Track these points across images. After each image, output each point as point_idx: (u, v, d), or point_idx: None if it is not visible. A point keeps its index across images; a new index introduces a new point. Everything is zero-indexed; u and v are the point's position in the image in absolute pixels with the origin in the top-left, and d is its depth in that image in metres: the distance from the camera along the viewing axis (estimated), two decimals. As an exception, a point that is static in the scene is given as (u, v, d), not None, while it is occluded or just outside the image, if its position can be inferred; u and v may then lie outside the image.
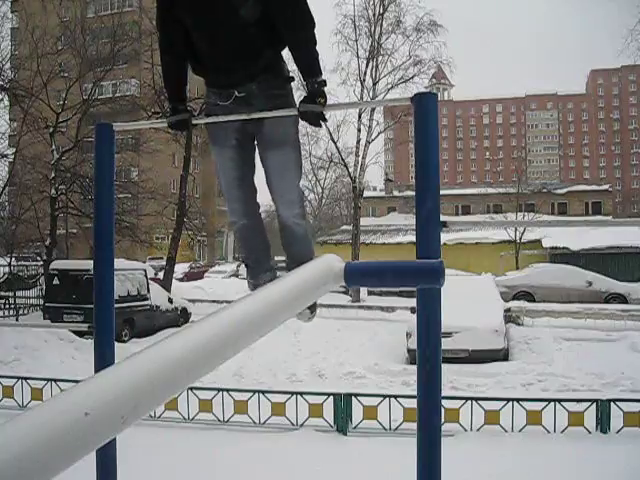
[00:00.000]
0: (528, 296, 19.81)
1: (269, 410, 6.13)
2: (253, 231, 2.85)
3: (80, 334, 11.21)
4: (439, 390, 1.82)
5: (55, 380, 6.74)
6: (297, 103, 2.55)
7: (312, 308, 2.83)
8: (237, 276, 30.36)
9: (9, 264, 16.98)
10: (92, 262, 2.39)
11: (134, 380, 0.70)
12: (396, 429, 5.90)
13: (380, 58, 23.77)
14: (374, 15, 23.66)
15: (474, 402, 5.93)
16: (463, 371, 9.06)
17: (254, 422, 6.13)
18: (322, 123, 2.48)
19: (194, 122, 2.72)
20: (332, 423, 6.08)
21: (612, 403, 5.86)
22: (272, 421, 6.13)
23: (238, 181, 2.71)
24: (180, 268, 23.10)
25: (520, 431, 5.82)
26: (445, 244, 22.87)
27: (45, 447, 0.59)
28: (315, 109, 2.41)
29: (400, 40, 23.82)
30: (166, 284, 17.03)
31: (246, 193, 2.76)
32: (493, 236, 28.68)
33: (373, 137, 24.03)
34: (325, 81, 2.51)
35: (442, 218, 1.83)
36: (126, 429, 0.69)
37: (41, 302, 15.82)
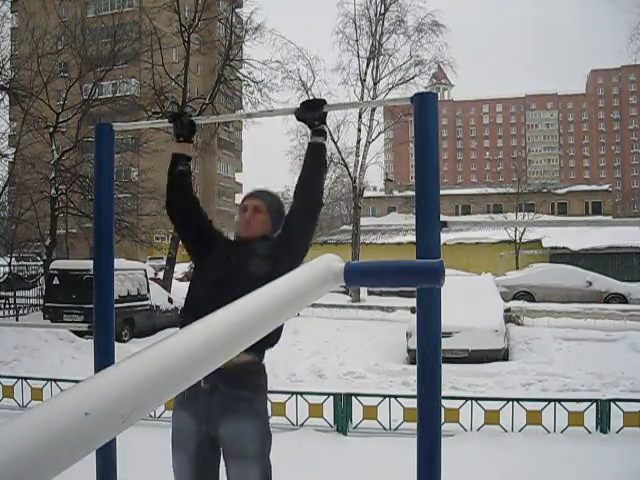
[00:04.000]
0: (528, 296, 19.81)
1: (269, 410, 6.13)
2: None
3: (80, 334, 11.21)
4: (439, 390, 1.82)
5: (55, 380, 6.74)
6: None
7: None
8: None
9: (9, 264, 16.97)
10: (92, 262, 2.40)
11: (134, 380, 0.70)
12: (396, 429, 5.90)
13: (381, 58, 23.78)
14: (375, 15, 23.68)
15: (474, 402, 5.93)
16: (463, 371, 9.05)
17: None
18: (321, 125, 2.47)
19: (195, 121, 2.72)
20: (332, 423, 6.08)
21: (612, 403, 5.86)
22: (272, 421, 6.06)
23: None
24: (180, 268, 23.06)
25: (520, 431, 5.82)
26: (445, 244, 22.87)
27: (45, 447, 0.59)
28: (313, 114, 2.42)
29: (401, 40, 23.85)
30: (166, 284, 17.02)
31: None
32: (493, 236, 28.67)
33: (373, 137, 24.04)
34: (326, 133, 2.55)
35: (442, 218, 1.83)
36: (126, 429, 0.69)
37: (41, 302, 15.81)
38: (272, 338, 2.49)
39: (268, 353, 2.57)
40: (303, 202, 2.54)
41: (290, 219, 2.57)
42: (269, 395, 6.33)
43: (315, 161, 2.53)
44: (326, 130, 2.53)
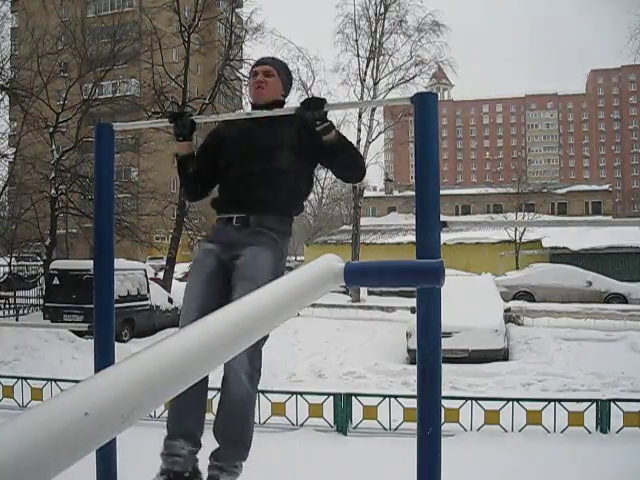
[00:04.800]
0: (528, 296, 19.81)
1: (269, 410, 6.12)
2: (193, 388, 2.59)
3: (80, 334, 11.21)
4: (439, 390, 1.82)
5: (55, 380, 6.73)
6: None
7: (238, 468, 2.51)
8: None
9: (9, 264, 16.97)
10: (92, 262, 2.39)
11: (134, 380, 0.70)
12: (396, 429, 5.90)
13: (381, 58, 23.78)
14: (375, 15, 23.68)
15: (474, 402, 5.93)
16: (463, 371, 9.05)
17: (253, 422, 6.12)
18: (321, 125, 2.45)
19: (195, 120, 2.71)
20: (332, 423, 6.08)
21: (612, 403, 5.86)
22: (272, 421, 6.12)
23: (197, 313, 2.41)
24: (180, 268, 23.06)
25: (520, 431, 5.82)
26: (445, 244, 22.86)
27: (45, 447, 0.59)
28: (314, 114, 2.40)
29: (401, 40, 23.85)
30: (166, 284, 17.02)
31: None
32: (493, 236, 28.68)
33: (373, 137, 24.05)
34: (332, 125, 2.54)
35: (442, 218, 1.83)
36: (126, 429, 0.69)
37: (41, 302, 15.81)
38: (307, 189, 2.79)
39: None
40: (353, 176, 2.81)
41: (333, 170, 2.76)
42: (269, 395, 6.35)
43: (348, 152, 2.59)
44: (332, 123, 2.50)
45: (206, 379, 2.44)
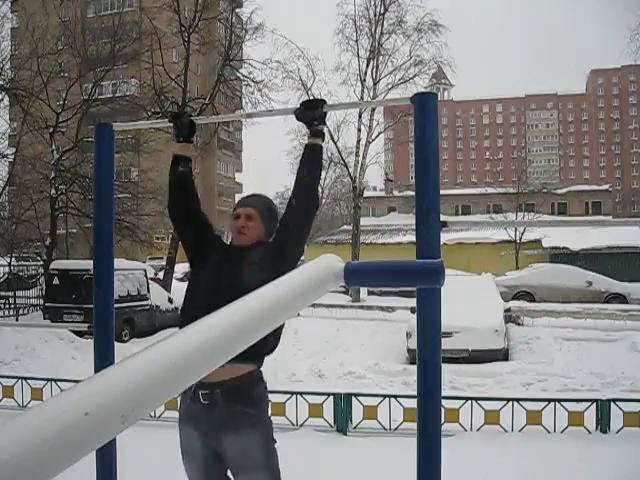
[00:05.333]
0: (528, 296, 19.81)
1: (269, 410, 6.12)
2: None
3: (80, 334, 11.21)
4: (439, 390, 1.82)
5: (55, 380, 6.73)
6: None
7: None
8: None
9: (9, 264, 16.97)
10: (92, 262, 2.39)
11: (134, 380, 0.70)
12: (396, 429, 5.90)
13: (381, 58, 23.79)
14: (375, 15, 23.68)
15: (474, 402, 5.93)
16: (463, 371, 9.06)
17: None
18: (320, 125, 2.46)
19: (195, 121, 2.71)
20: (332, 423, 6.08)
21: (612, 403, 5.86)
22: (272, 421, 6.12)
23: None
24: (180, 268, 23.05)
25: (520, 431, 5.82)
26: (445, 244, 22.86)
27: (45, 447, 0.59)
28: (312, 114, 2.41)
29: (401, 40, 23.85)
30: (166, 284, 17.03)
31: None
32: (493, 236, 28.68)
33: (373, 137, 24.05)
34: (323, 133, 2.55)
35: (442, 218, 1.83)
36: (126, 429, 0.69)
37: (41, 302, 15.81)
38: (270, 345, 2.53)
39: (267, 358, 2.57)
40: (300, 203, 2.55)
41: (286, 219, 2.58)
42: (269, 395, 6.33)
43: (313, 163, 2.54)
44: (324, 131, 2.53)
45: None
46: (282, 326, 2.46)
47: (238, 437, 2.41)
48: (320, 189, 2.76)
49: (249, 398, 2.46)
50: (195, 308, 2.50)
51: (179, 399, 2.62)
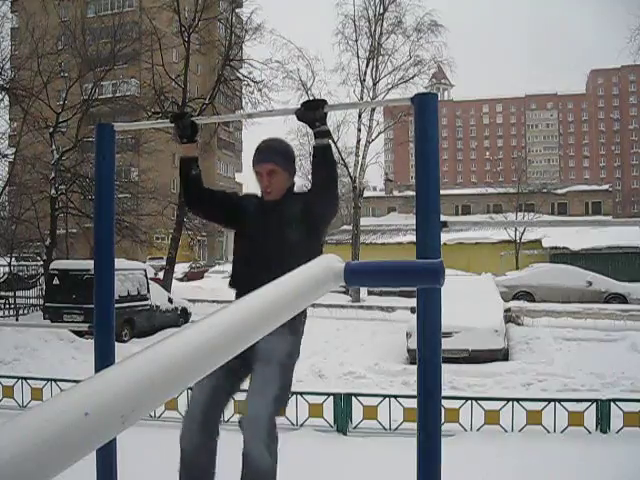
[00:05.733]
0: (528, 296, 19.81)
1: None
2: (201, 457, 2.61)
3: (80, 334, 11.21)
4: (439, 390, 1.82)
5: (55, 380, 6.73)
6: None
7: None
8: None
9: (9, 264, 16.97)
10: (92, 262, 2.39)
11: (134, 380, 0.70)
12: (396, 429, 5.90)
13: (380, 58, 23.79)
14: (374, 15, 23.68)
15: (474, 402, 5.92)
16: (463, 371, 9.05)
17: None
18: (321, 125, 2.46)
19: (195, 121, 2.72)
20: (332, 423, 6.08)
21: (612, 403, 5.86)
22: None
23: (210, 392, 2.59)
24: (180, 268, 23.09)
25: (520, 431, 5.81)
26: (445, 244, 22.86)
27: (45, 447, 0.59)
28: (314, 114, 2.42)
29: (400, 40, 23.85)
30: (166, 284, 17.04)
31: (211, 409, 2.64)
32: (493, 236, 28.69)
33: (373, 137, 24.05)
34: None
35: (442, 218, 1.83)
36: (126, 429, 0.69)
37: (41, 302, 15.81)
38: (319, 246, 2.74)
39: None
40: (323, 204, 2.65)
41: (311, 212, 2.66)
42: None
43: (327, 163, 2.57)
44: (329, 129, 2.54)
45: (214, 450, 2.59)
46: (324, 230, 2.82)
47: (270, 359, 2.56)
48: (338, 186, 2.82)
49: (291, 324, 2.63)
50: (247, 264, 2.65)
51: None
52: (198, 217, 3.07)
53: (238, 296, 2.63)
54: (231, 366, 2.51)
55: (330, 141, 2.56)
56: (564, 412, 5.83)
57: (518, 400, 6.00)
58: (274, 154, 2.73)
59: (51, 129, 18.48)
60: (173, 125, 2.67)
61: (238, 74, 21.57)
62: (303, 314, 2.67)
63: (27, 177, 19.23)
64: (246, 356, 2.51)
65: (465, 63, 43.41)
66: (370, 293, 22.41)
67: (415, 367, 1.83)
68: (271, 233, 2.63)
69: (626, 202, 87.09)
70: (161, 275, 19.20)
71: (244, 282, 2.63)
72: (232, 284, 2.76)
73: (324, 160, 2.55)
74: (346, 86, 24.31)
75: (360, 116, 23.59)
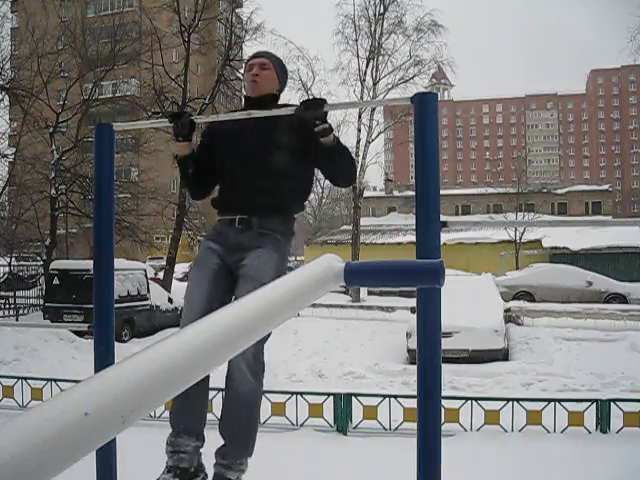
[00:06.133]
0: (528, 296, 19.81)
1: (269, 410, 6.12)
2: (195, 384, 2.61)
3: (80, 334, 11.21)
4: (439, 390, 1.82)
5: (55, 380, 6.73)
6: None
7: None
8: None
9: (9, 264, 16.97)
10: (92, 262, 2.39)
11: (134, 380, 0.70)
12: (396, 429, 5.90)
13: (380, 58, 23.79)
14: (374, 15, 23.67)
15: (474, 402, 5.93)
16: (463, 371, 9.06)
17: (259, 417, 6.10)
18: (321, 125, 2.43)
19: (195, 120, 2.71)
20: (332, 423, 6.08)
21: (612, 403, 5.86)
22: (272, 421, 6.12)
23: (202, 308, 2.45)
24: (180, 268, 23.07)
25: (520, 431, 5.82)
26: (445, 244, 22.86)
27: (45, 447, 0.59)
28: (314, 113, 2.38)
29: (400, 40, 23.85)
30: (166, 284, 17.03)
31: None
32: (493, 236, 28.68)
33: (373, 137, 24.05)
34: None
35: (442, 218, 1.83)
36: (126, 429, 0.69)
37: (41, 302, 15.81)
38: (308, 188, 2.80)
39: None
40: (345, 183, 2.86)
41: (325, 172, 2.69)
42: (269, 395, 6.34)
43: (342, 157, 2.56)
44: (331, 125, 2.49)
45: (207, 375, 2.44)
46: (312, 175, 2.81)
47: (258, 251, 2.51)
48: (354, 167, 2.81)
49: (279, 229, 2.59)
50: (234, 181, 2.62)
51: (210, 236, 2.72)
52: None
53: (220, 214, 2.66)
54: (216, 278, 2.53)
55: (332, 137, 2.47)
56: (564, 412, 5.83)
57: (518, 400, 6.01)
58: (271, 55, 2.79)
59: (51, 129, 18.47)
60: (172, 125, 2.66)
61: (238, 74, 21.55)
62: (291, 236, 2.68)
63: (27, 177, 19.22)
64: (232, 267, 2.54)
65: (465, 63, 43.50)
66: (370, 293, 22.40)
67: (415, 367, 1.83)
68: (257, 147, 2.57)
69: (626, 202, 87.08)
70: (161, 275, 19.19)
71: (230, 203, 2.64)
72: (215, 204, 2.73)
73: (338, 156, 2.52)
74: (346, 86, 24.34)
75: (360, 116, 23.59)
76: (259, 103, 2.60)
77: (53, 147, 18.53)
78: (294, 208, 2.71)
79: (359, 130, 23.84)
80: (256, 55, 2.79)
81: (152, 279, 15.79)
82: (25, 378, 7.08)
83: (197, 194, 2.91)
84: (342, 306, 17.53)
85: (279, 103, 2.77)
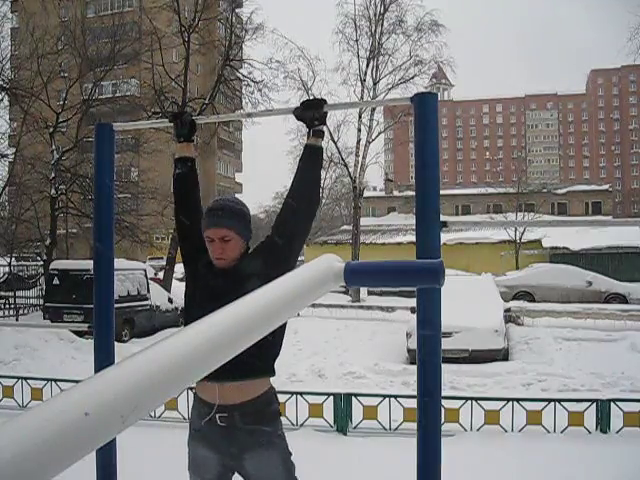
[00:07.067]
0: (528, 296, 19.81)
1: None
2: None
3: (80, 334, 11.21)
4: (439, 390, 1.82)
5: (55, 380, 6.73)
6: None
7: None
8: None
9: (9, 264, 16.97)
10: (92, 262, 2.39)
11: (134, 380, 0.70)
12: (396, 429, 5.90)
13: (381, 58, 23.80)
14: (375, 15, 23.69)
15: (474, 402, 5.93)
16: (463, 371, 9.05)
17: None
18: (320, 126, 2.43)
19: (195, 121, 2.70)
20: (332, 423, 6.08)
21: (612, 403, 5.86)
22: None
23: None
24: (180, 268, 23.04)
25: (520, 431, 5.82)
26: (445, 244, 22.87)
27: (45, 447, 0.59)
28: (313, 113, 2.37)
29: (401, 40, 23.87)
30: (166, 284, 17.03)
31: None
32: (493, 236, 28.68)
33: (373, 137, 24.06)
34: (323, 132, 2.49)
35: (442, 218, 1.83)
36: (126, 429, 0.69)
37: (41, 302, 15.81)
38: (278, 346, 2.50)
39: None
40: (301, 204, 2.44)
41: (284, 220, 2.45)
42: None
43: (315, 164, 2.47)
44: (324, 131, 2.50)
45: None
46: (285, 325, 2.42)
47: (259, 455, 2.38)
48: (321, 189, 2.64)
49: (267, 416, 2.43)
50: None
51: (190, 414, 2.54)
52: (177, 232, 2.71)
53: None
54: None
55: (322, 143, 2.46)
56: (564, 412, 5.83)
57: (518, 400, 6.01)
58: (228, 217, 2.43)
59: (51, 129, 18.47)
60: (172, 124, 2.66)
61: (238, 74, 21.57)
62: (279, 416, 2.51)
63: (27, 177, 19.22)
64: (235, 469, 2.42)
65: (465, 63, 43.47)
66: (370, 293, 22.40)
67: (415, 367, 1.83)
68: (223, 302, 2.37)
69: (626, 202, 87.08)
70: (161, 275, 19.19)
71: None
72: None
73: (314, 159, 2.45)
74: (346, 86, 24.36)
75: (360, 116, 23.60)
76: (232, 272, 2.42)
77: (53, 147, 18.53)
78: (270, 363, 2.48)
79: (359, 130, 23.86)
80: (213, 223, 2.43)
81: (152, 279, 15.79)
82: (25, 378, 7.08)
83: (177, 202, 2.72)
84: (342, 306, 17.53)
85: (249, 253, 2.51)
